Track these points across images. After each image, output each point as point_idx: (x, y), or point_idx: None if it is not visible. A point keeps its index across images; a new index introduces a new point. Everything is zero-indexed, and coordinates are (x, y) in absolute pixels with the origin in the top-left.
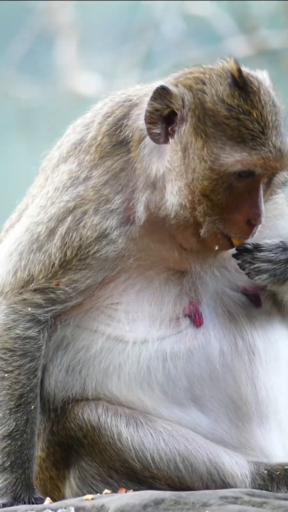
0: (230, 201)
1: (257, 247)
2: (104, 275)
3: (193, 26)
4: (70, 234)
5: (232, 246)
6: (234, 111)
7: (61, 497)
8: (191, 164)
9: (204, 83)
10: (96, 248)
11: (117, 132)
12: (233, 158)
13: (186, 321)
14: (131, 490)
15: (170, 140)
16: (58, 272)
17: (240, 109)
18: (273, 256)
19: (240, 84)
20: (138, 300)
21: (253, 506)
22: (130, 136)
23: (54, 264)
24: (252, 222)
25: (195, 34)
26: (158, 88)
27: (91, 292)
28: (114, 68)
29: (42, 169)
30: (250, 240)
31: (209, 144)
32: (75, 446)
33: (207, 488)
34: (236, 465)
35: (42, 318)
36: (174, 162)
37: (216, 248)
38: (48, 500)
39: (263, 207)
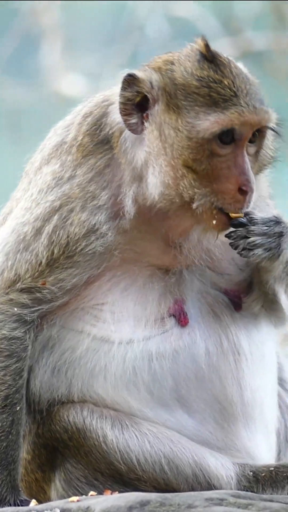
0: (216, 171)
1: (251, 220)
2: (89, 273)
3: (178, 27)
4: (57, 232)
5: (229, 221)
6: (204, 80)
7: (47, 499)
8: (168, 140)
9: (173, 63)
10: (84, 244)
11: (97, 131)
12: (208, 122)
13: (171, 321)
14: (117, 492)
15: (145, 124)
16: (45, 271)
17: (211, 79)
18: (267, 229)
19: (209, 57)
20: (123, 300)
21: (238, 507)
22: (110, 134)
23: (41, 262)
24: (243, 188)
25: (180, 36)
26: (125, 76)
27: (77, 292)
28: (99, 69)
29: (26, 173)
30: (245, 211)
31: (182, 116)
32: (60, 448)
33: (193, 489)
34: (222, 466)
35: (29, 318)
36: (152, 144)
37: (214, 223)
38: (33, 502)
39: (251, 174)
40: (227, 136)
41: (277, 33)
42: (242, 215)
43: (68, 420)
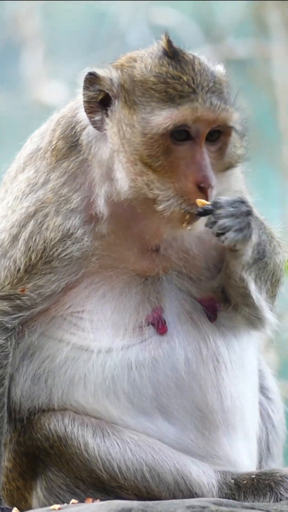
0: (174, 168)
1: (216, 204)
2: (68, 279)
3: (160, 35)
4: (34, 238)
5: (198, 217)
6: (162, 76)
7: (28, 507)
8: (126, 135)
9: (135, 60)
10: (60, 249)
11: (71, 134)
12: (162, 117)
13: (149, 329)
14: (98, 500)
15: (106, 120)
16: (23, 277)
17: (169, 75)
18: (233, 210)
19: (170, 54)
20: (101, 308)
21: None
22: (79, 134)
23: (19, 269)
24: (201, 185)
25: None
26: (86, 75)
27: (56, 298)
28: (80, 77)
29: (3, 183)
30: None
31: (138, 112)
32: (42, 456)
33: (174, 497)
34: (203, 474)
35: (10, 325)
36: (113, 140)
37: (185, 225)
38: (15, 510)
39: (210, 170)
40: (181, 133)
41: (259, 40)
42: (206, 202)
43: (49, 428)
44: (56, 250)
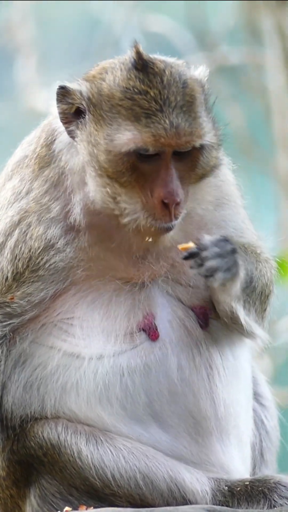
0: (140, 184)
1: (201, 246)
2: (55, 287)
3: (153, 43)
4: (19, 247)
5: (163, 233)
6: (129, 92)
7: None
8: (94, 150)
9: (106, 72)
10: (45, 258)
11: (51, 141)
12: (125, 137)
13: (141, 336)
14: (92, 507)
15: (77, 132)
16: (12, 285)
17: (135, 90)
18: (219, 250)
19: (139, 66)
20: (91, 314)
21: None
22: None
23: (7, 277)
24: (165, 201)
25: (154, 51)
26: (57, 89)
27: (46, 305)
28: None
29: None
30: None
31: (104, 127)
32: (35, 464)
33: (168, 504)
34: (197, 481)
35: (1, 333)
36: (82, 151)
37: (149, 239)
38: None
39: (175, 186)
40: (145, 152)
41: (252, 47)
42: (189, 245)
43: (43, 436)
44: (42, 259)
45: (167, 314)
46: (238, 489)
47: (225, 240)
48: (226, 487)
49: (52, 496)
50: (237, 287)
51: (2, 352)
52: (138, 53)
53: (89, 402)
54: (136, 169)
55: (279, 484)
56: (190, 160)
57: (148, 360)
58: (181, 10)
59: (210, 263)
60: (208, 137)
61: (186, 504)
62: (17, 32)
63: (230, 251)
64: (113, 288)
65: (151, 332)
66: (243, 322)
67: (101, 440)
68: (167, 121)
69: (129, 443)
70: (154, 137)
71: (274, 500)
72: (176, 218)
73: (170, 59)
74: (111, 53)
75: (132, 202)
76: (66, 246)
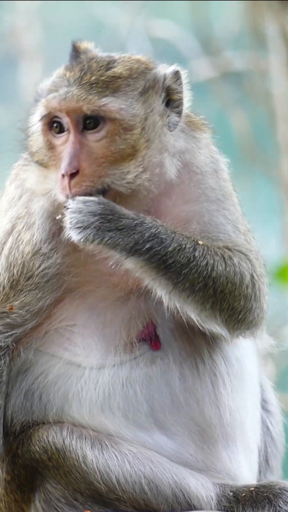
0: (56, 161)
1: (72, 199)
2: (52, 295)
3: (158, 47)
4: (13, 253)
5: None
6: (53, 78)
7: None
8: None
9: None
10: (37, 264)
11: None
12: (37, 113)
13: (143, 345)
14: None
15: None
16: (9, 294)
17: (58, 75)
18: (82, 207)
19: (72, 57)
20: (91, 322)
21: None
22: None
23: (4, 286)
24: (61, 172)
25: (159, 56)
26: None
27: (46, 313)
28: None
29: None
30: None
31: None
32: (40, 469)
33: (173, 510)
34: (202, 487)
35: (3, 343)
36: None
37: (59, 217)
38: None
39: (71, 158)
40: (57, 126)
41: (257, 53)
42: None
43: (48, 440)
44: (34, 264)
45: (169, 323)
46: (243, 495)
47: (98, 202)
48: (231, 493)
49: (57, 501)
50: (117, 256)
51: (4, 363)
52: (74, 47)
53: (91, 411)
54: (53, 147)
55: (284, 490)
56: (103, 136)
57: (149, 371)
58: (186, 15)
59: (68, 216)
60: (116, 112)
61: (191, 509)
62: (22, 37)
63: (93, 212)
64: (112, 296)
65: (152, 342)
66: (180, 309)
67: (106, 445)
68: (65, 90)
69: (135, 448)
70: (48, 101)
71: (279, 506)
72: (75, 191)
73: (122, 56)
74: None
75: (52, 180)
76: (52, 251)
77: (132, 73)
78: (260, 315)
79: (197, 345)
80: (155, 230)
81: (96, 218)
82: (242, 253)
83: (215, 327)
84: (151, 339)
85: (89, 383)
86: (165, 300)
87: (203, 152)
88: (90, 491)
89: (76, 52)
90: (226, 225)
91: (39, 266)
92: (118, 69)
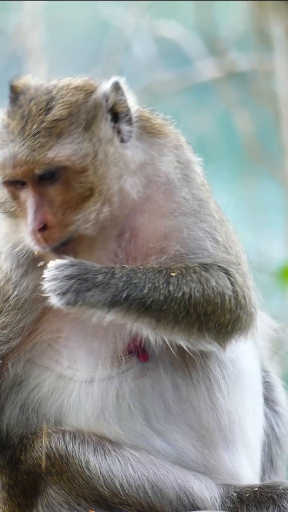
0: (24, 212)
1: (48, 268)
2: (33, 315)
3: (163, 48)
4: None
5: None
6: (0, 127)
7: None
8: None
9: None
10: (10, 290)
11: None
12: None
13: (131, 358)
14: None
15: None
16: None
17: (4, 123)
18: (57, 274)
19: (11, 99)
20: (77, 335)
21: None
22: None
23: None
24: (29, 228)
25: (165, 56)
26: None
27: (30, 330)
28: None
29: None
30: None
31: None
32: (43, 474)
33: None
34: (206, 489)
35: None
36: None
37: (41, 264)
38: None
39: (35, 214)
40: (13, 181)
41: (262, 53)
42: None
43: (50, 446)
44: (8, 290)
45: None
46: (247, 495)
47: (70, 264)
48: (235, 493)
49: (59, 506)
50: (99, 310)
51: None
52: (12, 87)
53: (88, 421)
54: (17, 197)
55: None
56: (61, 184)
57: (140, 383)
58: (191, 16)
59: (45, 286)
60: (65, 161)
61: (196, 510)
62: (27, 37)
63: (68, 276)
64: None
65: (140, 354)
66: (176, 342)
67: (109, 449)
68: (11, 151)
69: (137, 453)
70: (3, 165)
71: (283, 506)
72: (50, 242)
73: (58, 83)
74: (121, 58)
75: (24, 230)
76: (22, 278)
77: (72, 110)
78: (248, 319)
79: (188, 353)
80: (127, 278)
81: (73, 281)
82: (221, 268)
83: (205, 346)
84: (138, 352)
85: (81, 397)
86: (152, 337)
87: (167, 159)
88: (94, 496)
89: (14, 93)
90: (205, 240)
91: (13, 292)
92: (57, 110)
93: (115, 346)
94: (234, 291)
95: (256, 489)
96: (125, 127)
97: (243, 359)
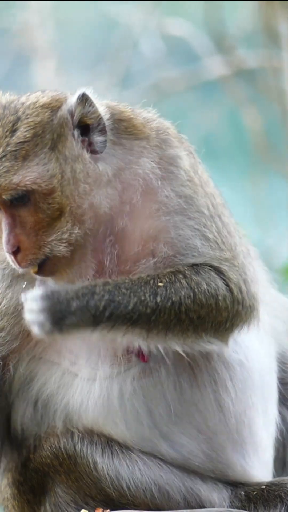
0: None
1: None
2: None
3: (171, 45)
4: None
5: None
6: None
7: None
8: None
9: None
10: (0, 299)
11: None
12: None
13: (131, 358)
14: (108, 510)
15: None
16: None
17: None
18: (33, 306)
19: None
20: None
21: None
22: None
23: None
24: (5, 250)
25: (173, 54)
26: None
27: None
28: (93, 87)
29: None
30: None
31: None
32: (51, 473)
33: None
34: (214, 491)
35: None
36: None
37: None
38: None
39: (8, 237)
40: None
41: (270, 51)
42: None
43: (59, 446)
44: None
45: None
46: (255, 493)
47: (42, 297)
48: (243, 492)
49: (67, 505)
50: (84, 331)
51: None
52: None
53: (95, 420)
54: None
55: None
56: (31, 206)
57: (142, 383)
58: (199, 13)
59: (25, 316)
60: (32, 184)
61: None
62: (35, 34)
63: (42, 309)
64: None
65: (140, 355)
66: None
67: (116, 451)
68: None
69: (144, 455)
70: None
71: None
72: (24, 264)
73: (26, 100)
74: (129, 55)
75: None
76: (8, 289)
77: (37, 130)
78: (249, 311)
79: (191, 355)
80: (109, 296)
81: (46, 314)
82: (212, 268)
83: (204, 346)
84: (138, 352)
85: (85, 395)
86: (144, 346)
87: (145, 161)
88: (101, 496)
89: None
90: (194, 239)
91: (2, 301)
92: (22, 132)
93: (114, 345)
94: (229, 290)
95: (263, 487)
96: (97, 138)
97: (253, 358)
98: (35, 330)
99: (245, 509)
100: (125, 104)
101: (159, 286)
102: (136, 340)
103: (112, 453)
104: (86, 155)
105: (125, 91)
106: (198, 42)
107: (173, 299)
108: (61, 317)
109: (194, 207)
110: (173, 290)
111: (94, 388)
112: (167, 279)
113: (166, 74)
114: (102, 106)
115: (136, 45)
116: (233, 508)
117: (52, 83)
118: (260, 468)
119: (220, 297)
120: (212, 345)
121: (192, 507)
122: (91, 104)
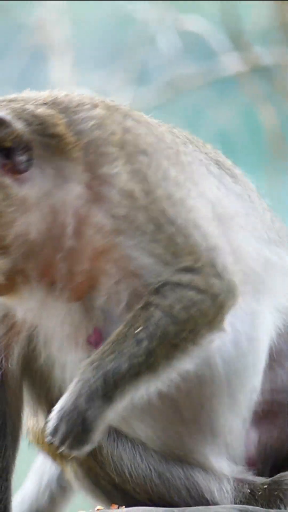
0: None
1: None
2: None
3: (188, 42)
4: None
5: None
6: None
7: None
8: None
9: None
10: None
11: None
12: None
13: (92, 351)
14: (124, 506)
15: None
16: None
17: None
18: (51, 431)
19: None
20: (52, 320)
21: None
22: None
23: None
24: None
25: (189, 50)
26: None
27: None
28: (108, 84)
29: None
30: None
31: None
32: None
33: (187, 504)
34: (214, 481)
35: None
36: None
37: None
38: None
39: None
40: None
41: (286, 48)
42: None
43: None
44: None
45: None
46: (260, 493)
47: (62, 420)
48: (249, 490)
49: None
50: (106, 415)
51: None
52: None
53: None
54: None
55: None
56: None
57: None
58: (215, 10)
59: (49, 439)
60: None
61: (203, 504)
62: (51, 31)
63: (62, 432)
64: (60, 303)
65: (98, 348)
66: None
67: (121, 435)
68: None
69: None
70: None
71: None
72: None
73: None
74: (146, 52)
75: None
76: None
77: None
78: (231, 292)
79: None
80: (102, 372)
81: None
82: (176, 284)
83: (207, 344)
84: (96, 345)
85: (66, 377)
86: (162, 384)
87: (72, 186)
88: (108, 479)
89: None
90: (142, 258)
91: None
92: None
93: (76, 337)
94: (202, 292)
95: (266, 486)
96: (20, 158)
97: (239, 361)
98: (65, 450)
99: (250, 504)
100: (125, 104)
101: (139, 331)
102: (153, 383)
103: (117, 436)
104: (7, 181)
105: (141, 87)
106: (215, 38)
107: (158, 334)
108: (81, 441)
109: (133, 226)
110: (153, 327)
111: (67, 374)
112: (141, 319)
113: (182, 71)
114: (21, 124)
115: (152, 41)
116: (237, 503)
117: (69, 79)
118: (225, 454)
119: (197, 304)
120: (210, 337)
121: (192, 497)
122: (8, 125)
